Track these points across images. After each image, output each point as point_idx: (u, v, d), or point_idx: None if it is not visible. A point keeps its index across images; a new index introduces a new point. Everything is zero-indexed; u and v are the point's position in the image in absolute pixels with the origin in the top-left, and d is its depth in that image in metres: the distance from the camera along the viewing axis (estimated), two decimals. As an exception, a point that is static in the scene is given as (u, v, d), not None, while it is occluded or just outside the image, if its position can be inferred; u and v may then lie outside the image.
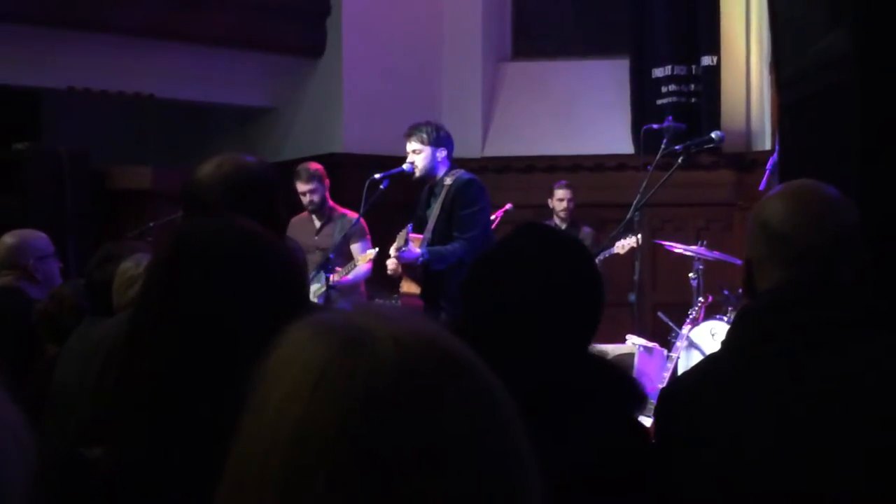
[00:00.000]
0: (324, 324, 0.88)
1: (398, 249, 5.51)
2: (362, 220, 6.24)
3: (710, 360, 2.02)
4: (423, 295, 5.50)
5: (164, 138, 10.00)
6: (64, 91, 8.21)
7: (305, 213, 6.49)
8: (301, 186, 6.35)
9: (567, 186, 7.96)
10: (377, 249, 6.08)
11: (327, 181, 6.39)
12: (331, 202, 6.40)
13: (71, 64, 8.07)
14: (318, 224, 6.39)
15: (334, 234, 6.31)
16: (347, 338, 0.86)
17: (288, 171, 6.22)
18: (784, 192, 1.98)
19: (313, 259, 6.11)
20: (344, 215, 6.36)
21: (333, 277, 6.03)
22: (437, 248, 5.43)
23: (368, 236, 6.30)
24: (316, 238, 6.20)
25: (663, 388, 2.09)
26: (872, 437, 1.72)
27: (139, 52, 8.20)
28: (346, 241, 6.26)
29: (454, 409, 0.83)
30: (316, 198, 6.35)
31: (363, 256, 6.11)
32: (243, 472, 0.85)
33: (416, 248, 5.44)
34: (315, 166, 6.43)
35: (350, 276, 6.17)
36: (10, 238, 4.69)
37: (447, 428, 0.82)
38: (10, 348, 4.18)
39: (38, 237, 4.77)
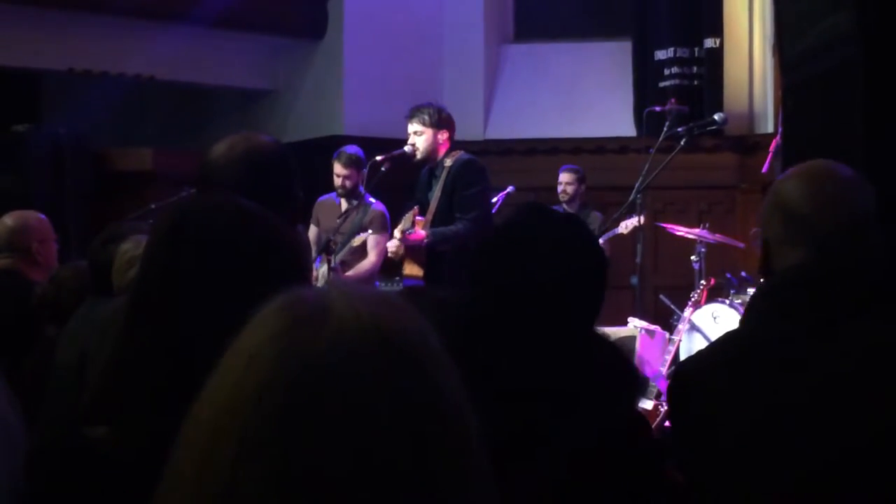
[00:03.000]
0: (287, 300, 0.89)
1: (403, 231, 5.51)
2: (387, 213, 6.22)
3: (727, 339, 2.01)
4: (425, 277, 5.50)
5: (164, 120, 9.99)
6: (64, 73, 8.20)
7: (333, 195, 6.47)
8: (338, 169, 6.29)
9: (569, 171, 7.86)
10: (369, 232, 6.07)
11: (364, 169, 6.26)
12: (363, 189, 6.30)
13: (71, 45, 8.05)
14: (344, 208, 6.35)
15: (355, 220, 6.28)
16: (299, 315, 0.86)
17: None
18: (801, 172, 1.99)
19: (335, 241, 6.11)
20: (369, 205, 6.31)
21: (335, 261, 6.03)
22: (441, 229, 5.42)
23: (388, 232, 6.18)
24: (338, 221, 6.18)
25: (678, 366, 2.08)
26: (891, 415, 1.72)
27: (139, 33, 8.18)
28: (364, 229, 6.23)
29: (384, 393, 0.83)
30: (349, 183, 6.28)
31: (357, 238, 6.07)
32: (187, 438, 0.87)
33: (420, 231, 5.44)
34: (356, 149, 6.35)
35: (363, 270, 6.16)
36: (10, 220, 4.67)
37: (372, 412, 0.82)
38: (10, 330, 4.18)
39: (39, 219, 4.75)
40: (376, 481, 0.80)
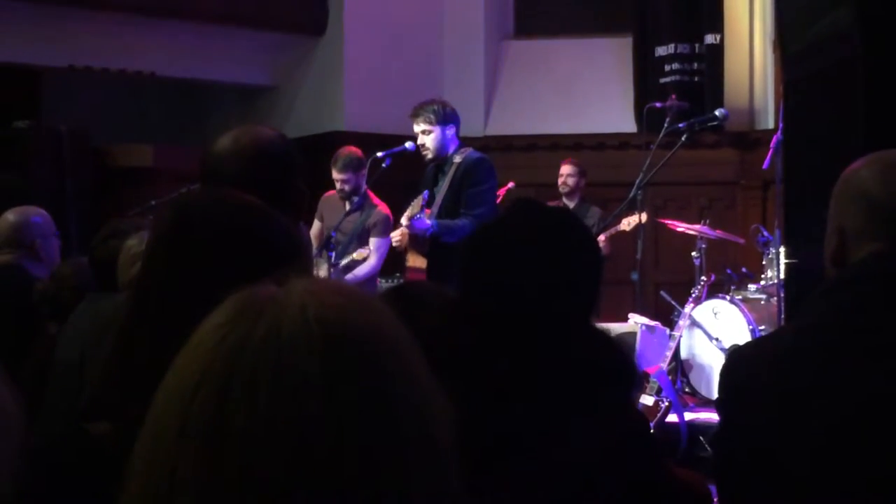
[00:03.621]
0: (244, 293, 0.89)
1: (410, 217, 5.45)
2: (390, 216, 6.20)
3: (796, 330, 1.95)
4: (428, 269, 5.46)
5: (165, 116, 9.99)
6: (65, 69, 8.19)
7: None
8: (335, 174, 6.25)
9: (569, 163, 7.82)
10: (369, 250, 6.07)
11: (364, 169, 6.22)
12: (366, 189, 6.27)
13: (72, 42, 8.05)
14: (347, 207, 6.31)
15: (358, 221, 6.26)
16: (245, 305, 0.87)
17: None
18: (882, 162, 1.93)
19: (336, 240, 6.09)
20: (375, 206, 6.27)
21: (343, 260, 6.04)
22: (447, 221, 5.35)
23: (390, 236, 6.12)
24: (341, 219, 6.17)
25: (736, 352, 2.02)
26: None
27: (140, 29, 8.17)
28: (367, 231, 6.22)
29: (317, 386, 0.82)
30: (347, 187, 6.24)
31: (358, 253, 6.06)
32: (147, 421, 0.89)
33: (426, 220, 5.37)
34: (351, 153, 6.28)
35: (362, 273, 6.15)
36: (12, 216, 4.67)
37: (303, 404, 0.82)
38: (11, 326, 4.18)
39: (40, 215, 4.75)
40: (307, 470, 0.80)
